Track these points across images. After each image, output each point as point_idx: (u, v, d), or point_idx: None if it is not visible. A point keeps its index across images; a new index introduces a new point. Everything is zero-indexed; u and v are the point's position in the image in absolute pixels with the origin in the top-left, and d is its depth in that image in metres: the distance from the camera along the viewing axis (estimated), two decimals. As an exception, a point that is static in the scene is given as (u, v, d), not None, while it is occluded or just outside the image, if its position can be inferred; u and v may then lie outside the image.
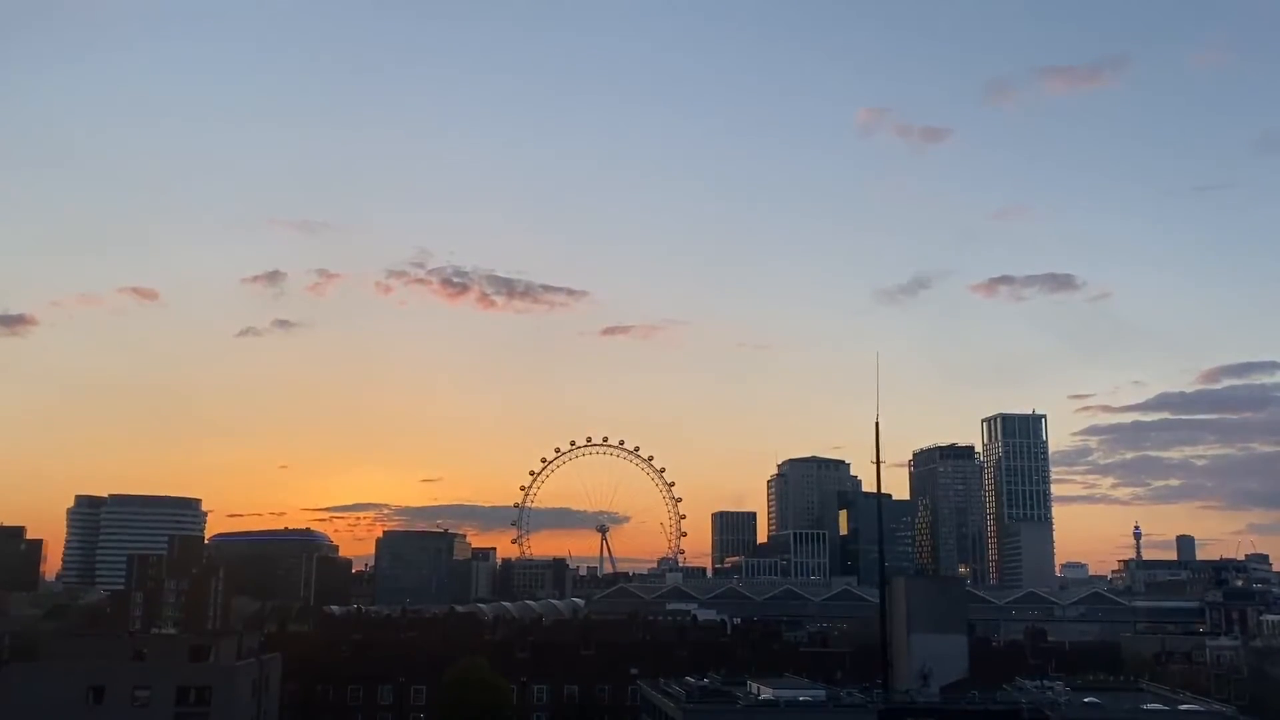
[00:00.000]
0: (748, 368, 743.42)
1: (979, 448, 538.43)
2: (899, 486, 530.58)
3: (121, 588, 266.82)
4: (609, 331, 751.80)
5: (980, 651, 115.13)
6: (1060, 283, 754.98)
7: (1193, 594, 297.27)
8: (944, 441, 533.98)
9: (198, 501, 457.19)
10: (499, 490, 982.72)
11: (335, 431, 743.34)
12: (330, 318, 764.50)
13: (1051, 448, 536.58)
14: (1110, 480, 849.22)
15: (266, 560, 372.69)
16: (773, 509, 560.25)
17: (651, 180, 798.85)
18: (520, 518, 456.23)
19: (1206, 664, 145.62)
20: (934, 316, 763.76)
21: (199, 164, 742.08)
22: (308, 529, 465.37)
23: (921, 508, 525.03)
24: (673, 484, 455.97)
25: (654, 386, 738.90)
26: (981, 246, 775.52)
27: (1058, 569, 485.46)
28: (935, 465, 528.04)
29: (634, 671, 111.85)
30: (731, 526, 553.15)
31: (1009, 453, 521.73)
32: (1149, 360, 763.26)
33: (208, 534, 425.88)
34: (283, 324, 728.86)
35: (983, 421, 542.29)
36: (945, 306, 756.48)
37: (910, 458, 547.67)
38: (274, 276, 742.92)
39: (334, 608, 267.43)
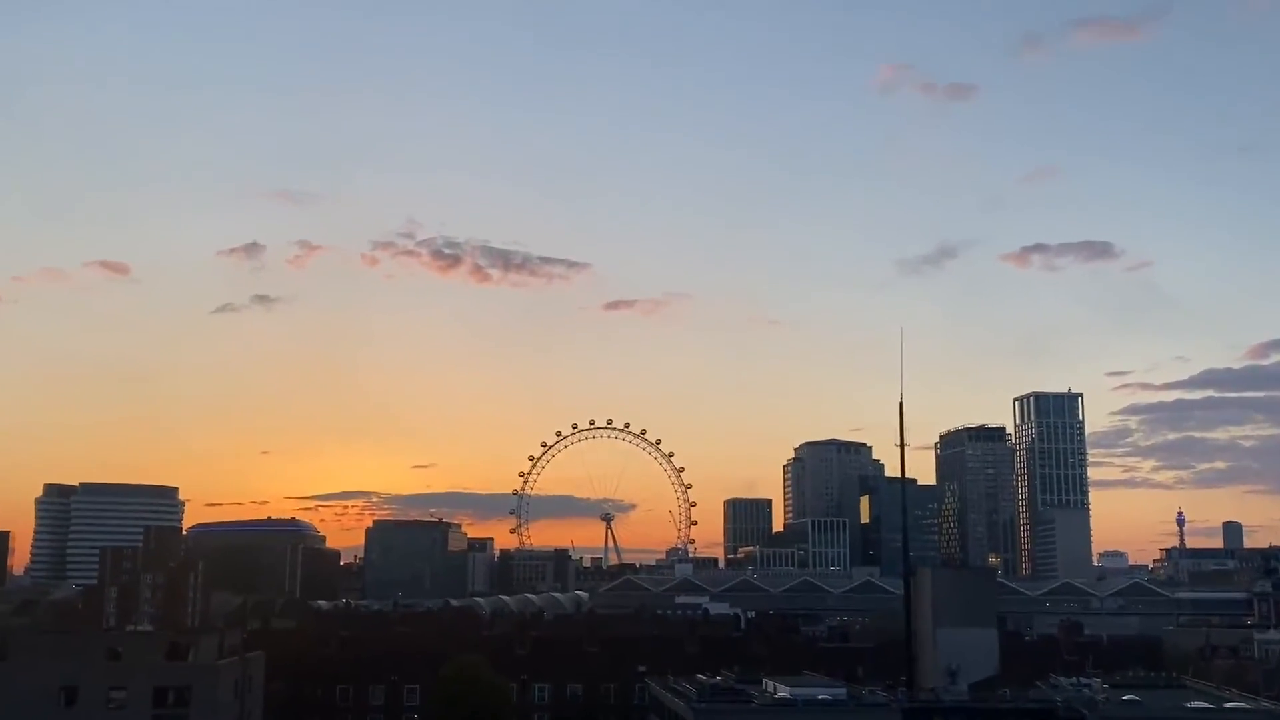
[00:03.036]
0: (761, 344, 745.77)
1: (1010, 429, 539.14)
2: (924, 471, 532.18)
3: (94, 582, 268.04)
4: (612, 306, 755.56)
5: (1012, 647, 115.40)
6: (1097, 251, 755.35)
7: (1240, 584, 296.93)
8: (973, 422, 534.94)
9: (174, 490, 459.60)
10: (496, 477, 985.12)
11: (321, 414, 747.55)
12: (313, 293, 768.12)
13: (1088, 429, 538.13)
14: (1151, 463, 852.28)
15: (248, 552, 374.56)
16: (789, 495, 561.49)
17: (656, 143, 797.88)
18: (519, 506, 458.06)
19: (1255, 659, 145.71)
20: (961, 288, 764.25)
21: (172, 131, 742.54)
22: (292, 519, 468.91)
23: (949, 494, 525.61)
24: (682, 469, 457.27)
25: (661, 365, 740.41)
26: (1012, 212, 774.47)
27: (1095, 558, 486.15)
28: (963, 448, 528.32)
29: (641, 669, 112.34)
30: (745, 514, 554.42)
31: (1042, 434, 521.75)
32: (1192, 334, 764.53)
33: (185, 524, 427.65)
34: (262, 299, 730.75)
35: (1014, 401, 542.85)
36: (973, 277, 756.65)
37: (937, 440, 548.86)
38: (252, 249, 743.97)
39: (321, 602, 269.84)
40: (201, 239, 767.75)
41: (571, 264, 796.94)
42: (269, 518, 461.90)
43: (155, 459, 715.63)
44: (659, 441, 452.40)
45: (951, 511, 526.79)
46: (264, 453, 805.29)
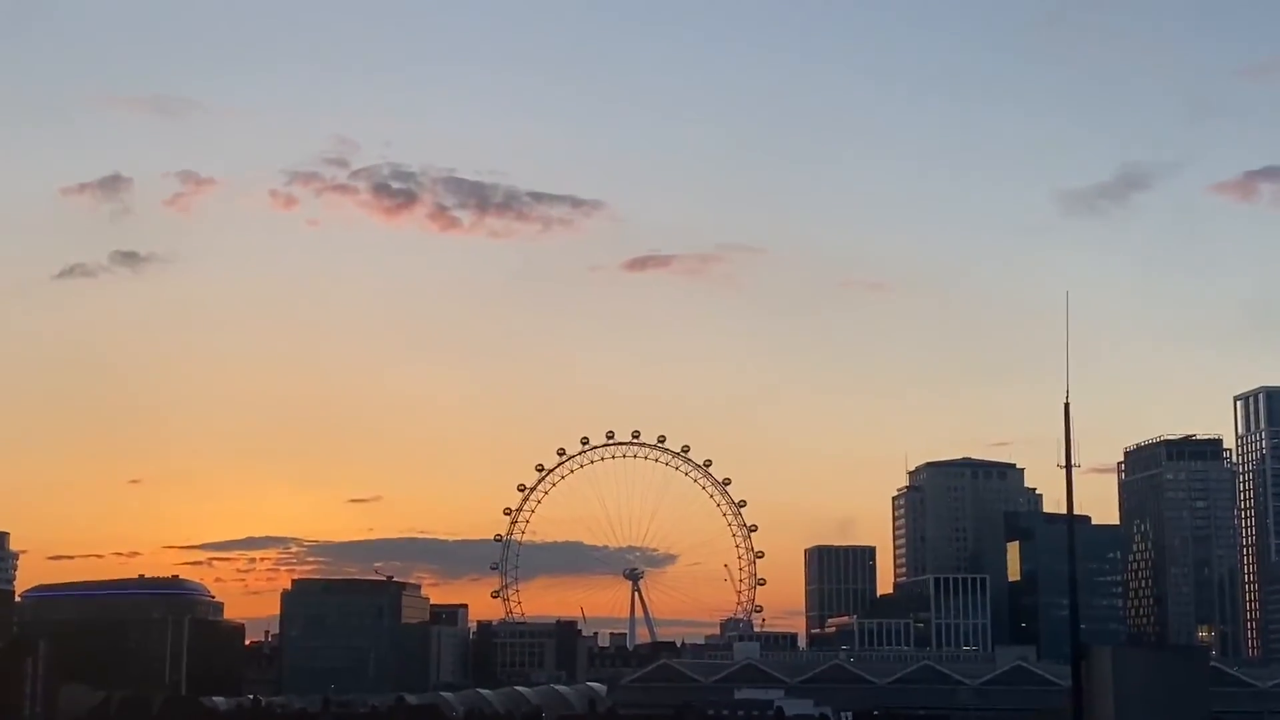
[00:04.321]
0: (857, 318, 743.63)
1: (1230, 442, 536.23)
2: (1102, 505, 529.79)
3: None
4: (638, 264, 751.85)
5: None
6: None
7: None
8: (1174, 433, 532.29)
9: (4, 536, 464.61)
10: (472, 516, 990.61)
11: (215, 426, 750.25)
12: (201, 247, 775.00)
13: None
14: None
15: (112, 626, 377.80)
16: (901, 541, 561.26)
17: (699, 32, 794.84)
18: (504, 558, 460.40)
19: None
20: (1155, 232, 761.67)
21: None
22: (175, 577, 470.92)
23: (1138, 537, 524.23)
24: (742, 504, 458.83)
25: (710, 351, 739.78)
26: (1229, 122, 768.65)
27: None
28: (1160, 470, 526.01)
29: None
30: (836, 570, 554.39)
31: (1278, 449, 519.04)
32: None
33: (20, 587, 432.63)
34: (128, 258, 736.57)
35: (1235, 400, 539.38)
36: (1173, 216, 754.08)
37: (1121, 459, 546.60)
38: (112, 184, 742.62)
39: (217, 699, 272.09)
40: (38, 171, 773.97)
41: (578, 203, 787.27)
42: (141, 576, 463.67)
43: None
44: (709, 463, 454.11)
45: (1143, 564, 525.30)
46: (133, 481, 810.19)
